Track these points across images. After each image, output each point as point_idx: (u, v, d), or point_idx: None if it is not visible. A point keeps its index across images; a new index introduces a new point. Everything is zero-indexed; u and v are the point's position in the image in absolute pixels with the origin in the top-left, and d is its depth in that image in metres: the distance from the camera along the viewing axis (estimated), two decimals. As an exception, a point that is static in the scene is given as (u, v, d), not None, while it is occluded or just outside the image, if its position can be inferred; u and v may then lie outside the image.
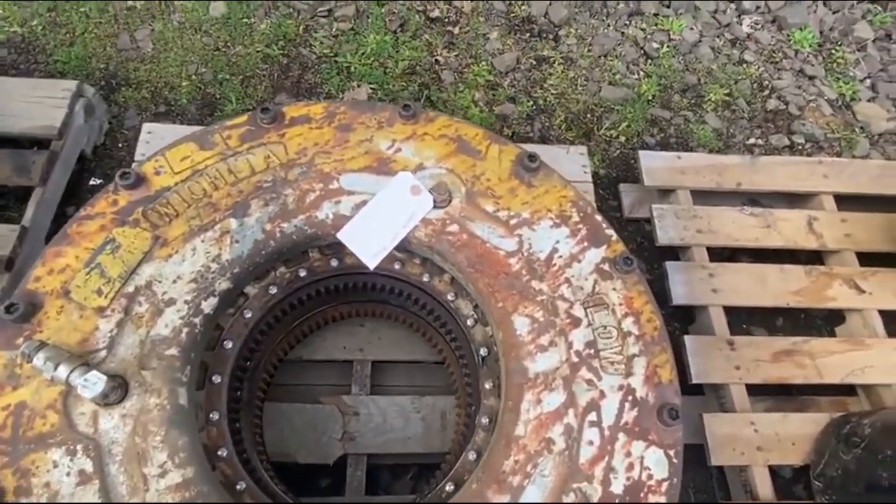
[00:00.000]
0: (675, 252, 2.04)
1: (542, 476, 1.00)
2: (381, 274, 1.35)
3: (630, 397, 1.08)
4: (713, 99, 2.51)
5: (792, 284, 1.92)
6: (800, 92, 2.58)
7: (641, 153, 2.11)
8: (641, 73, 2.56)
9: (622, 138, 2.38)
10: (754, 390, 1.79)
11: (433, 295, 1.34)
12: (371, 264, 1.18)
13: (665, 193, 2.11)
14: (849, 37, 2.74)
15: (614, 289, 1.17)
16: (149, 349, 1.02)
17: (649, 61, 2.59)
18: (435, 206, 1.21)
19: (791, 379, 1.78)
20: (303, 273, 1.28)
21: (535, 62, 2.55)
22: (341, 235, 1.16)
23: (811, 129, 2.47)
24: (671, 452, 1.04)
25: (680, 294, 1.86)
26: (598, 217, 1.24)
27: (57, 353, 0.93)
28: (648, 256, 2.16)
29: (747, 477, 1.68)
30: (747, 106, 2.53)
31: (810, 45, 2.69)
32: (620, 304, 1.16)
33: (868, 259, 2.00)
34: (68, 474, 0.91)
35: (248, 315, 1.23)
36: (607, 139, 2.38)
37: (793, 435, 1.70)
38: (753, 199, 2.19)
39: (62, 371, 0.92)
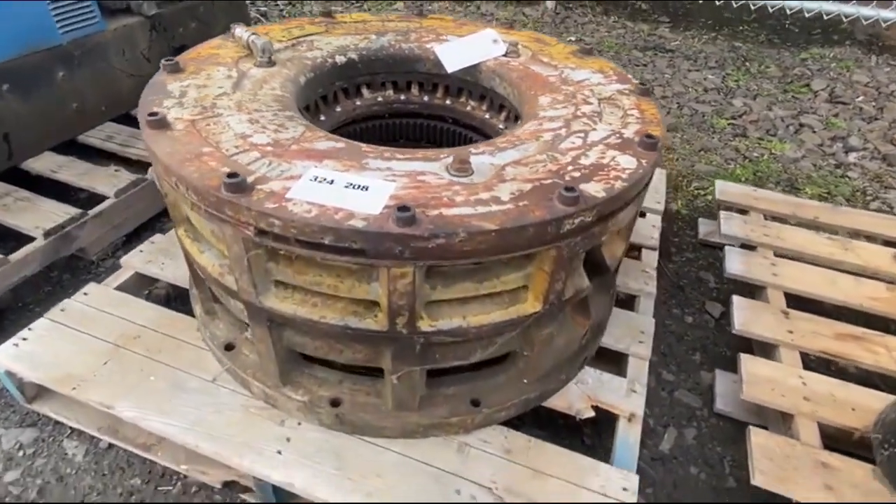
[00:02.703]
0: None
1: (525, 150, 1.21)
2: (456, 119, 1.78)
3: (618, 135, 1.28)
4: (809, 192, 2.66)
5: (868, 292, 1.81)
6: (908, 203, 2.61)
7: (718, 181, 2.33)
8: (738, 165, 2.86)
9: (709, 197, 2.61)
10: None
11: (488, 133, 1.70)
12: (450, 69, 1.64)
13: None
14: (970, 178, 2.76)
15: (629, 99, 1.45)
16: (296, 59, 1.55)
17: (748, 161, 2.90)
18: (505, 55, 1.67)
19: (860, 359, 1.60)
20: (402, 97, 1.77)
21: (639, 146, 3.02)
22: (437, 49, 1.67)
23: (919, 224, 2.43)
24: (643, 161, 1.18)
25: (736, 268, 1.88)
26: (629, 76, 1.58)
27: (247, 30, 1.52)
28: (718, 273, 2.18)
29: (793, 433, 1.45)
30: (846, 202, 2.61)
31: (923, 178, 2.77)
32: (631, 107, 1.41)
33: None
34: (221, 75, 1.41)
35: (358, 103, 1.72)
36: (694, 195, 2.63)
37: (853, 402, 1.48)
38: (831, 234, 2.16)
39: (247, 34, 1.49)
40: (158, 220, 2.25)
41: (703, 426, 1.66)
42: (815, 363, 1.70)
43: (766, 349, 1.68)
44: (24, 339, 1.48)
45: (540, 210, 1.01)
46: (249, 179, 1.02)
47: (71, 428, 1.52)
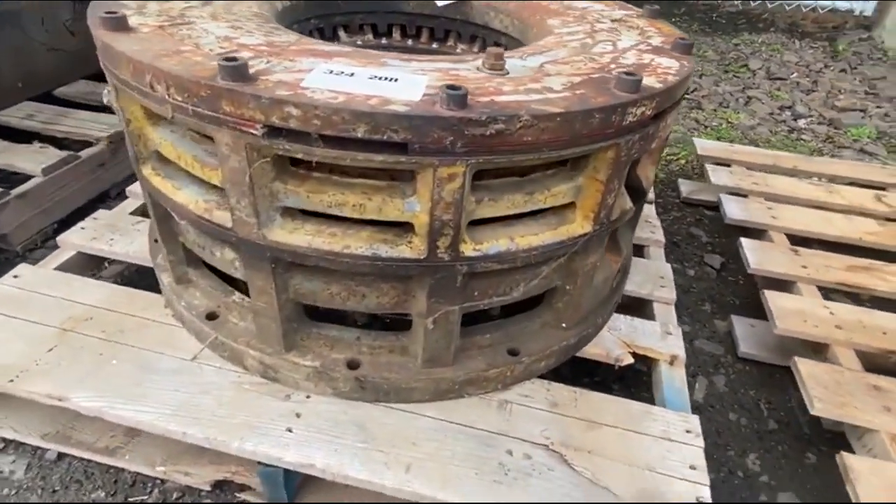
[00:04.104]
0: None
1: (556, 54, 1.08)
2: (446, 65, 1.63)
3: (646, 44, 1.18)
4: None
5: (862, 227, 1.82)
6: (862, 158, 2.72)
7: (696, 139, 2.31)
8: (701, 133, 2.90)
9: (681, 161, 2.60)
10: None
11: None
12: (439, 2, 1.50)
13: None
14: (908, 135, 2.94)
15: (641, 20, 1.36)
16: (267, -13, 1.36)
17: (709, 129, 2.95)
18: (497, -9, 1.55)
19: (874, 287, 1.57)
20: (384, 41, 1.61)
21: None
22: (424, -17, 1.52)
23: (878, 175, 2.53)
24: (683, 62, 1.08)
25: (735, 213, 1.84)
26: (632, 7, 1.50)
27: (212, -46, 1.31)
28: (708, 228, 2.15)
29: (830, 362, 1.38)
30: (808, 160, 2.69)
31: (869, 137, 2.92)
32: (647, 26, 1.32)
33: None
34: None
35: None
36: (666, 160, 2.61)
37: (882, 326, 1.44)
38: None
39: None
40: (99, 204, 1.93)
41: (731, 372, 1.57)
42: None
43: (780, 288, 1.62)
44: (-64, 331, 1.17)
45: (602, 97, 0.87)
46: (251, 70, 0.82)
47: (3, 440, 1.20)
